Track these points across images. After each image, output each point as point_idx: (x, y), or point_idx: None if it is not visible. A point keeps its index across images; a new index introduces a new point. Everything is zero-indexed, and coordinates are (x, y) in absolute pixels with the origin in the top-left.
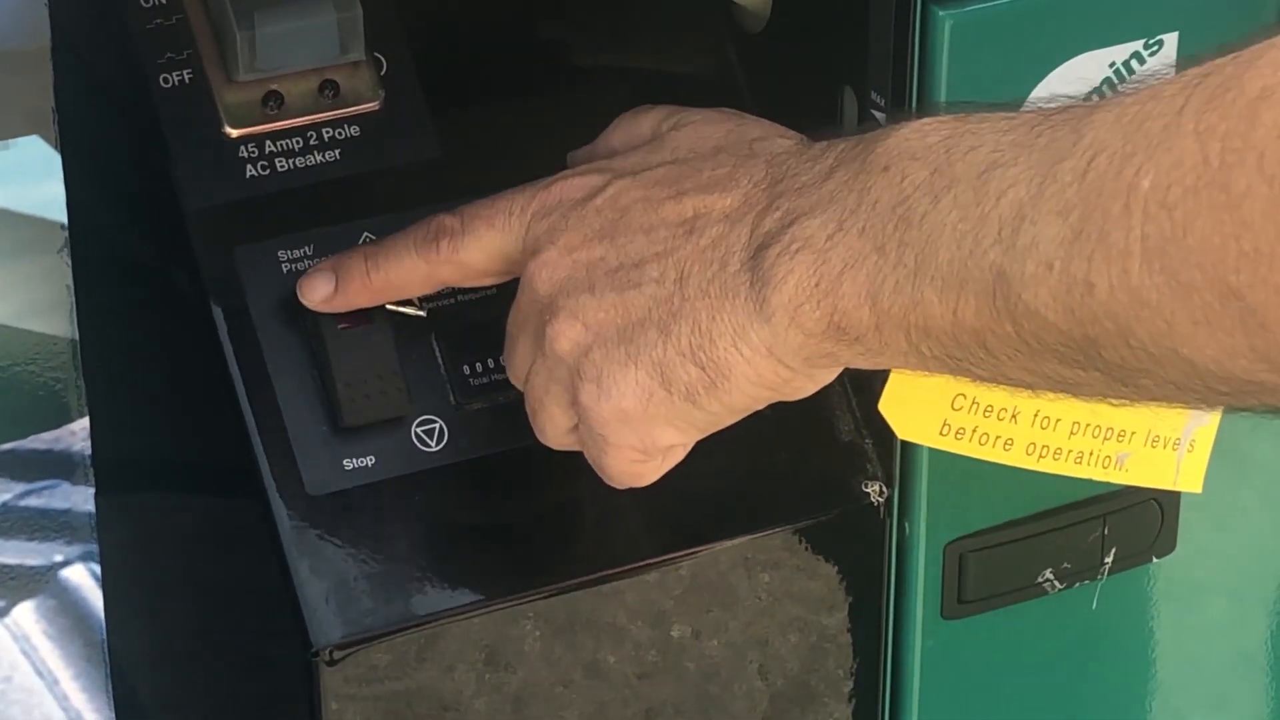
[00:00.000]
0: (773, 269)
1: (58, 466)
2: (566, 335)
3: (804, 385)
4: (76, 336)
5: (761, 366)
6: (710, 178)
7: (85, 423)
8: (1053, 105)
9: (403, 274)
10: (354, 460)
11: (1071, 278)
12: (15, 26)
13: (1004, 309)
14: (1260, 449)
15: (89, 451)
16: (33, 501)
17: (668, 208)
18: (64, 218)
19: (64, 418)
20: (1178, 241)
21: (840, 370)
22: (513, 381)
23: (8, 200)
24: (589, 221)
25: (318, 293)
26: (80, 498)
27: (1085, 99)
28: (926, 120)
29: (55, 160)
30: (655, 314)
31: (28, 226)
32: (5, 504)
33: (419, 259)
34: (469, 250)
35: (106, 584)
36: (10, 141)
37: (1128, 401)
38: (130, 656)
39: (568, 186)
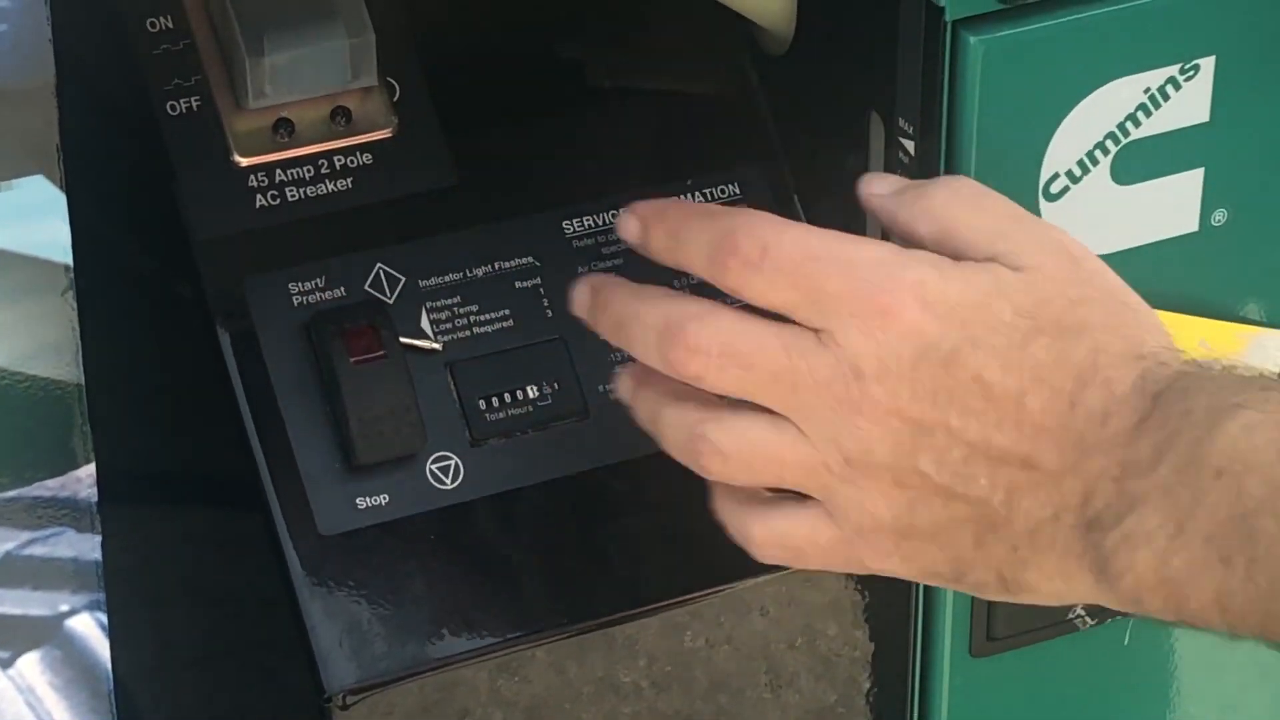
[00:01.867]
0: (1112, 558)
1: (64, 514)
2: (876, 493)
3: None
4: (82, 380)
5: (1074, 597)
6: (1050, 397)
7: (91, 469)
8: None
9: (692, 267)
10: (367, 499)
11: None
12: (19, 62)
13: None
14: None
15: (95, 499)
16: (38, 550)
17: (1007, 406)
18: (69, 259)
19: (70, 464)
20: None
21: None
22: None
23: (11, 241)
24: (920, 379)
25: (630, 232)
26: (87, 546)
27: (1119, 126)
28: (1253, 411)
29: (60, 200)
30: (974, 515)
31: (32, 268)
32: (9, 553)
33: (704, 267)
34: (759, 294)
35: (113, 627)
36: (14, 181)
37: None
38: (138, 704)
39: (900, 311)
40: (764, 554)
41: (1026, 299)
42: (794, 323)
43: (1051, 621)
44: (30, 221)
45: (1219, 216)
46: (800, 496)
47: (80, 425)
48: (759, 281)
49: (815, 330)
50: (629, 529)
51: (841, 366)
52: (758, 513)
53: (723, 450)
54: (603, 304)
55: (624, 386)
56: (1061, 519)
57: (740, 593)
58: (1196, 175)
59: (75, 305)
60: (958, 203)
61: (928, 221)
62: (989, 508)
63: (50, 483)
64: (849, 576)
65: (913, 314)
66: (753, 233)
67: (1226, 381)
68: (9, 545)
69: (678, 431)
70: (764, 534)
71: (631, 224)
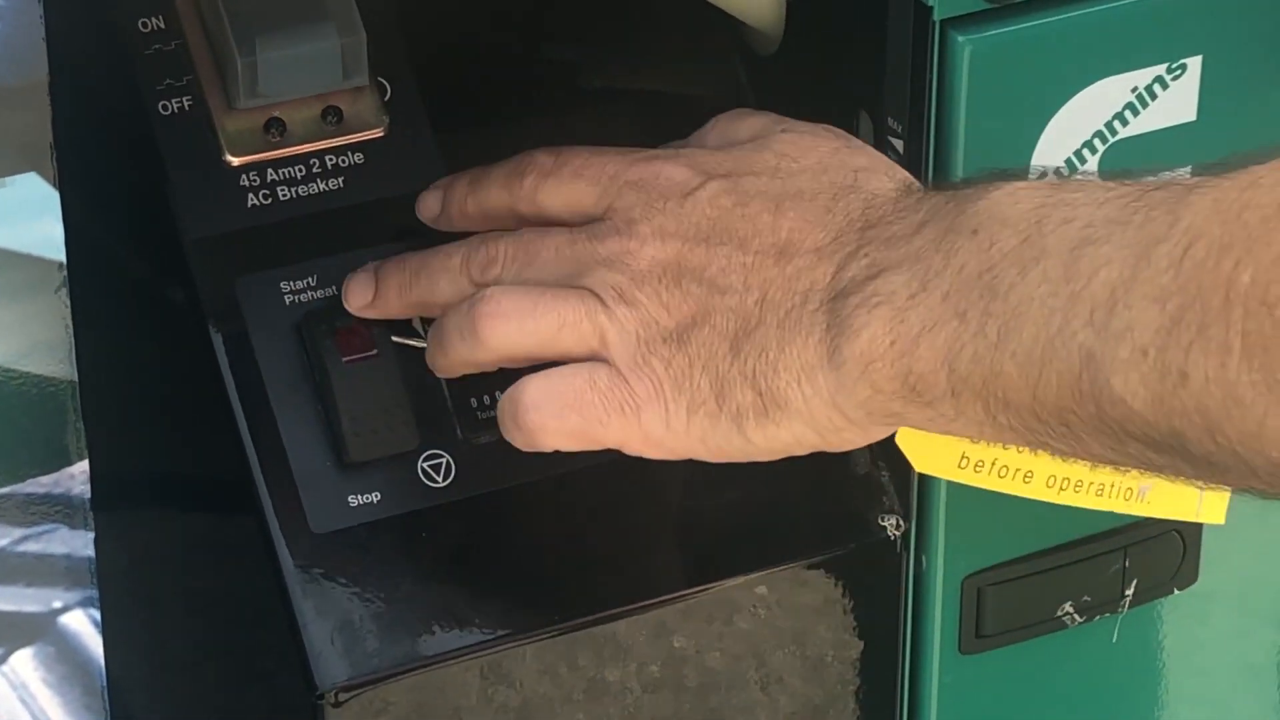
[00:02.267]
0: (850, 319)
1: (57, 511)
2: (647, 315)
3: (854, 439)
4: (76, 378)
5: (818, 410)
6: (808, 205)
7: (85, 466)
8: (1150, 180)
9: (490, 202)
10: (359, 497)
11: (1165, 366)
12: (12, 60)
13: (1089, 391)
14: None
15: (89, 495)
16: (31, 547)
17: (763, 223)
18: (62, 256)
19: (63, 461)
20: (1279, 341)
21: (895, 431)
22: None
23: (5, 239)
24: (686, 216)
25: (427, 208)
26: (80, 542)
27: (1107, 125)
28: (1020, 184)
29: (53, 198)
30: (729, 327)
31: (26, 266)
32: (3, 549)
33: (503, 190)
34: (550, 194)
35: (107, 626)
36: (7, 179)
37: (1211, 486)
38: (132, 703)
39: (666, 170)
40: (536, 415)
41: (790, 147)
42: None
43: (1040, 619)
44: (24, 219)
45: None
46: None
47: (74, 422)
48: (552, 183)
49: (600, 219)
50: (620, 527)
51: (615, 225)
52: (531, 375)
53: (502, 309)
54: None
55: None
56: (809, 302)
57: (730, 592)
58: (1184, 174)
59: (69, 303)
60: (731, 118)
61: (709, 139)
62: (744, 309)
63: (43, 479)
64: (837, 581)
65: (680, 169)
66: (548, 149)
67: (999, 172)
68: (2, 542)
69: (457, 309)
70: (537, 388)
71: (430, 198)
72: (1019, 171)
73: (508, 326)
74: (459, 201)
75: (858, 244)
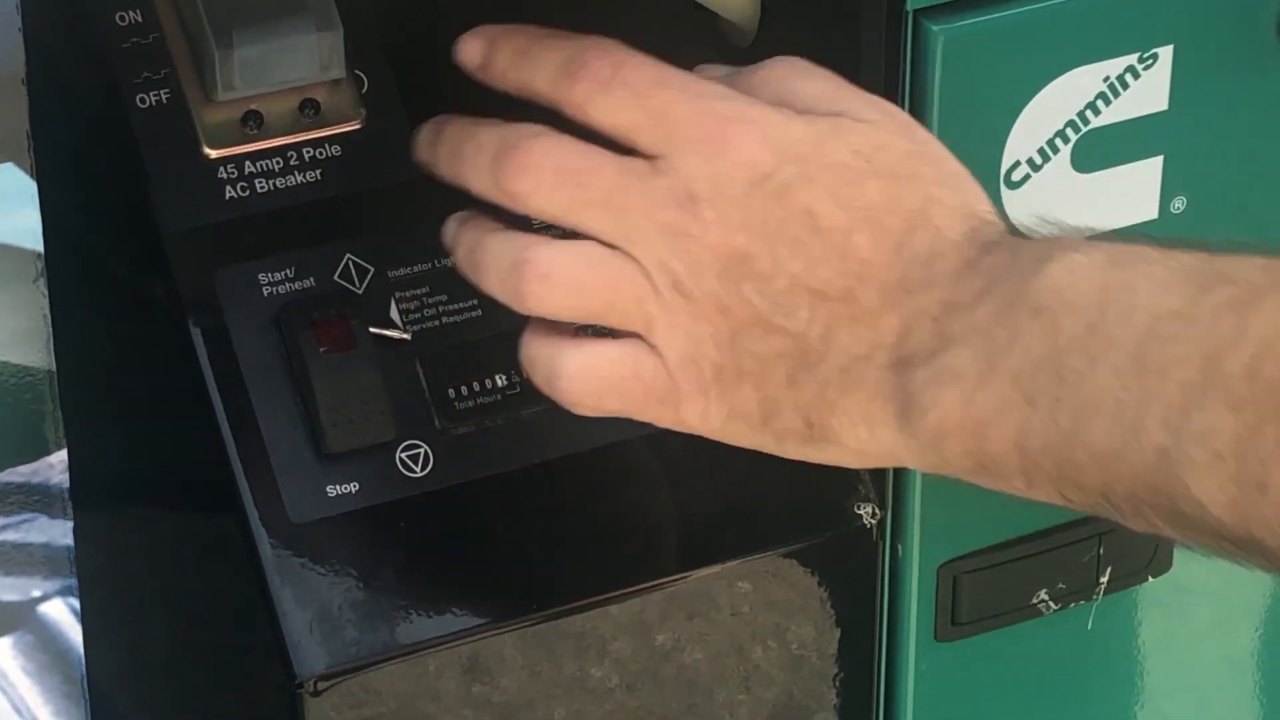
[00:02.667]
0: (919, 395)
1: (36, 500)
2: (700, 313)
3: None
4: (54, 367)
5: (873, 451)
6: (880, 236)
7: (63, 455)
8: (1204, 255)
9: (534, 86)
10: (338, 487)
11: (1244, 475)
12: None
13: (1164, 488)
14: None
15: (67, 484)
16: (10, 536)
17: (834, 244)
18: (40, 246)
19: (41, 450)
20: None
21: None
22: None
23: None
24: (754, 210)
25: (469, 55)
26: (59, 531)
27: (1079, 114)
28: (1078, 256)
29: (31, 188)
30: (788, 352)
31: (3, 256)
32: None
33: (551, 85)
34: (601, 111)
35: (85, 614)
36: None
37: None
38: (110, 688)
39: (736, 138)
40: (575, 389)
41: (864, 143)
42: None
43: (1015, 606)
44: (1, 210)
45: (1178, 203)
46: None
47: (52, 412)
48: (606, 100)
49: (652, 159)
50: (599, 516)
51: (675, 190)
52: (573, 345)
53: (548, 272)
54: (441, 136)
55: (448, 229)
56: (874, 357)
57: (708, 581)
58: (1156, 163)
59: (46, 292)
60: (794, 73)
61: (767, 90)
62: (806, 342)
63: (22, 469)
64: (813, 570)
65: (752, 145)
66: (606, 53)
67: (1055, 236)
68: None
69: (501, 259)
70: (579, 366)
71: (473, 45)
72: (1069, 238)
73: (553, 294)
74: (501, 67)
75: (923, 300)
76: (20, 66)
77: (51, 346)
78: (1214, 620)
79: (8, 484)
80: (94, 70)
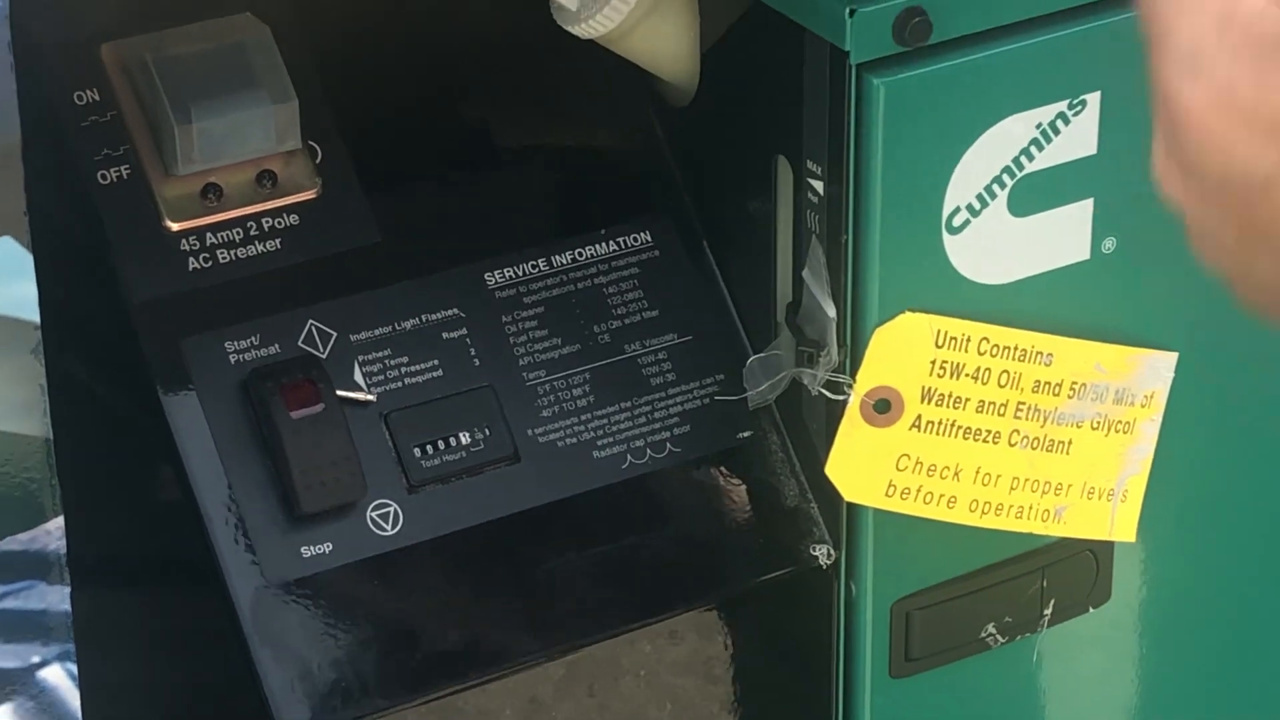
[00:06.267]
0: None
1: (34, 567)
2: None
3: None
4: (51, 436)
5: None
6: None
7: (60, 522)
8: None
9: None
10: (311, 547)
11: None
12: None
13: None
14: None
15: (64, 551)
16: (9, 604)
17: None
18: (37, 317)
19: (39, 518)
20: None
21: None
22: None
23: None
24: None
25: None
26: (56, 597)
27: (1014, 160)
28: None
29: (27, 260)
30: None
31: (1, 327)
32: None
33: None
34: None
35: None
36: None
37: None
38: None
39: None
40: None
41: None
42: None
43: (965, 641)
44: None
45: (1109, 244)
46: None
47: (49, 479)
48: None
49: None
50: (563, 566)
51: None
52: None
53: None
54: None
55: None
56: None
57: (671, 625)
58: (1087, 205)
59: (44, 363)
60: None
61: None
62: None
63: (20, 536)
64: (771, 610)
65: None
66: None
67: None
68: None
69: None
70: None
71: None
72: None
73: None
74: None
75: None
76: (16, 138)
77: (48, 414)
78: (1148, 646)
79: (7, 551)
80: (55, 148)
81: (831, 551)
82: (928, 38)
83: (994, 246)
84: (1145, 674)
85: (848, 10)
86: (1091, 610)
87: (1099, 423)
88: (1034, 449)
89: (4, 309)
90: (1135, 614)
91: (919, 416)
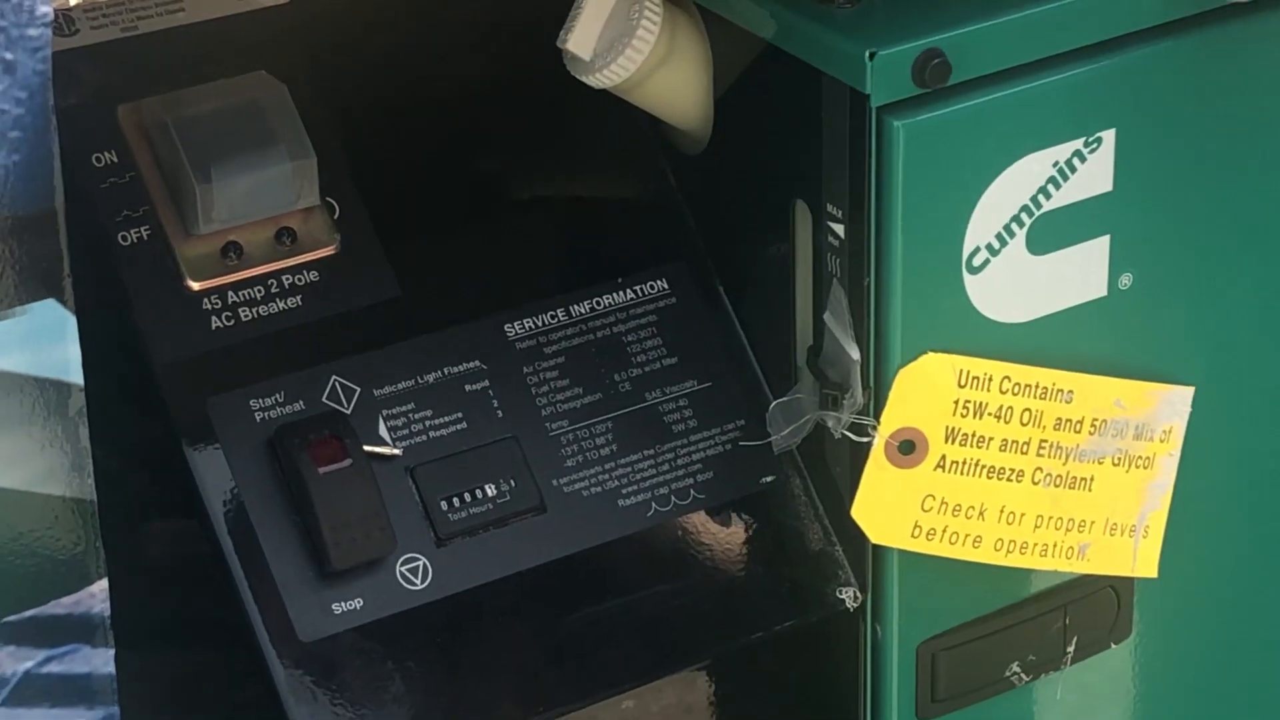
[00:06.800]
0: None
1: (79, 630)
2: None
3: None
4: (94, 498)
5: None
6: None
7: (104, 584)
8: None
9: None
10: (343, 604)
11: None
12: (29, 188)
13: None
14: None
15: (108, 614)
16: (54, 668)
17: None
18: (80, 380)
19: (84, 581)
20: None
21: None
22: None
23: (25, 365)
24: None
25: None
26: (100, 660)
27: (1032, 199)
28: None
29: (70, 322)
30: None
31: (46, 390)
32: (28, 672)
33: None
34: None
35: None
36: (26, 307)
37: None
38: None
39: None
40: None
41: None
42: None
43: (990, 680)
44: (42, 345)
45: (1125, 280)
46: None
47: (93, 542)
48: None
49: None
50: (593, 616)
51: None
52: None
53: None
54: None
55: None
56: None
57: (700, 672)
58: (1103, 242)
59: (87, 424)
60: None
61: None
62: None
63: (65, 600)
64: (798, 653)
65: None
66: None
67: None
68: (27, 664)
69: None
70: None
71: None
72: None
73: None
74: None
75: None
76: (59, 202)
77: (92, 477)
78: (1172, 682)
79: (53, 616)
80: (75, 210)
81: (858, 594)
82: (947, 79)
83: (1013, 285)
84: (1166, 709)
85: (868, 53)
86: (1113, 646)
87: (1120, 459)
88: (1057, 486)
89: (47, 371)
90: (1156, 649)
91: (943, 457)
